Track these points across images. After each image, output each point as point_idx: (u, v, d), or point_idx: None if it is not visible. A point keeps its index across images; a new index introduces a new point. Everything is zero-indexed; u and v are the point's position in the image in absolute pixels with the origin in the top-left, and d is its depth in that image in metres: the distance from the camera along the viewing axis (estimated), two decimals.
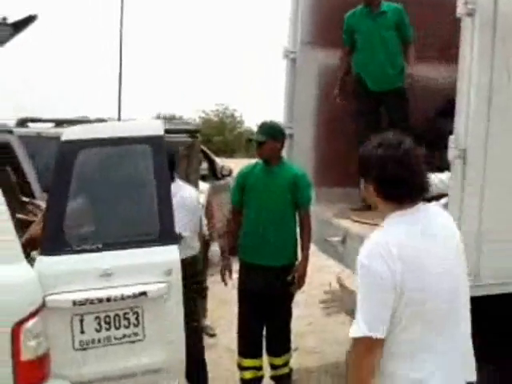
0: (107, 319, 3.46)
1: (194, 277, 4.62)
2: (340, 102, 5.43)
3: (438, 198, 4.19)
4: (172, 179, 4.52)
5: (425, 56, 5.43)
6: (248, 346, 4.81)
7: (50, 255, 3.38)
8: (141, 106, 31.15)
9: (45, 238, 3.44)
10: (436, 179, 4.66)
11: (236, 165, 8.14)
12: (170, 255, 3.51)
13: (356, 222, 4.78)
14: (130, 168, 3.67)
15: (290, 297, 4.82)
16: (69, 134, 3.53)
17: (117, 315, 3.47)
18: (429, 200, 2.49)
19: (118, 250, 3.47)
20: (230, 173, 8.93)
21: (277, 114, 5.97)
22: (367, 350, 2.28)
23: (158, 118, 30.77)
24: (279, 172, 4.73)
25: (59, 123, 7.07)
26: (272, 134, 4.67)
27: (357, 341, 2.29)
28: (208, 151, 9.37)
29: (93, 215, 3.61)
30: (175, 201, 4.29)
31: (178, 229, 3.81)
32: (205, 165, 8.98)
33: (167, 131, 4.10)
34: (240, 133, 28.18)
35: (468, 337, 2.44)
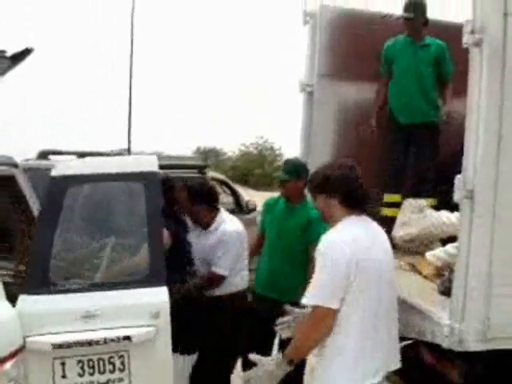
0: (91, 363, 3.29)
1: (237, 313, 4.43)
2: (373, 135, 5.25)
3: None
4: (216, 210, 4.46)
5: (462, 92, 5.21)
6: None
7: (33, 294, 3.26)
8: (180, 139, 31.39)
9: (29, 276, 3.32)
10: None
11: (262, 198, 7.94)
12: (158, 297, 3.34)
13: None
14: (120, 205, 3.55)
15: None
16: (58, 169, 3.42)
17: (101, 359, 3.31)
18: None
19: (103, 291, 3.33)
20: (255, 207, 8.77)
21: None
22: (321, 319, 2.86)
23: (198, 151, 30.99)
24: (298, 211, 4.55)
25: (81, 156, 7.04)
26: (295, 173, 4.50)
27: (313, 310, 2.89)
28: (232, 185, 9.24)
29: (80, 254, 3.47)
30: (215, 236, 4.28)
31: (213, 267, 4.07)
32: (230, 199, 8.84)
33: (173, 167, 3.95)
34: (279, 166, 28.19)
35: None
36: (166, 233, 3.77)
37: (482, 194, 3.14)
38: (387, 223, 5.10)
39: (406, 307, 3.58)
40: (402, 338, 4.03)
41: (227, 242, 4.35)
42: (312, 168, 5.35)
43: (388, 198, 5.29)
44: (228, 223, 4.49)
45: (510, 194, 3.16)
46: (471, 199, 3.15)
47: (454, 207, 3.70)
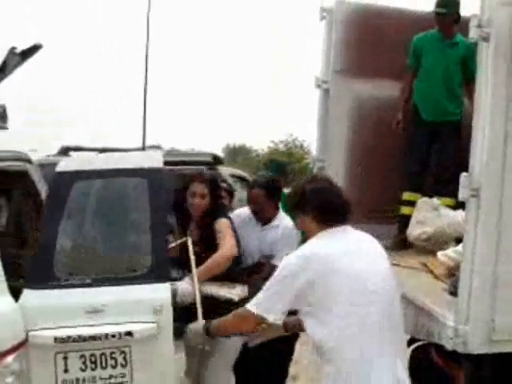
0: (93, 358, 3.31)
1: None
2: (400, 131, 5.20)
3: None
4: (277, 209, 4.48)
5: None
6: None
7: (36, 288, 3.28)
8: (210, 136, 31.46)
9: (32, 271, 3.35)
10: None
11: None
12: (160, 293, 3.34)
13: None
14: (124, 201, 3.55)
15: None
16: (63, 165, 3.44)
17: (103, 354, 3.32)
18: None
19: (107, 286, 3.34)
20: None
21: None
22: (252, 323, 2.88)
23: (227, 148, 31.00)
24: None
25: (103, 152, 7.07)
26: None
27: (251, 313, 2.81)
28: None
29: (84, 249, 3.49)
30: (277, 231, 4.34)
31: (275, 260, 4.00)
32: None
33: (184, 163, 3.94)
34: (307, 163, 28.08)
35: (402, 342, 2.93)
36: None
37: (488, 192, 3.07)
38: (405, 222, 5.06)
39: (415, 308, 3.53)
40: (412, 340, 4.00)
41: (290, 237, 4.35)
42: (328, 168, 5.36)
43: (407, 196, 5.22)
44: (287, 219, 4.48)
45: None
46: (477, 197, 3.08)
47: None
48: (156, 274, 3.36)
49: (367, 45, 5.27)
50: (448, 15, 4.97)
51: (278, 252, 4.30)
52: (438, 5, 5.00)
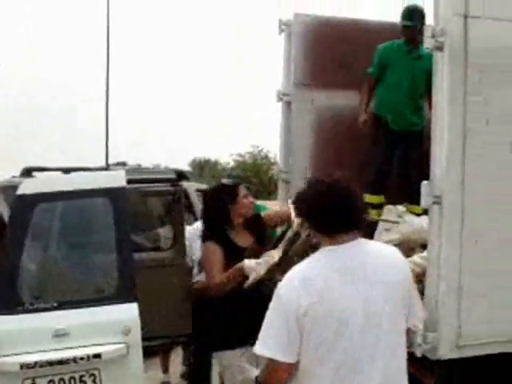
0: (62, 382, 3.26)
1: None
2: (366, 131, 5.19)
3: None
4: None
5: None
6: None
7: (1, 314, 3.22)
8: (177, 151, 31.39)
9: None
10: None
11: None
12: (128, 313, 3.31)
13: None
14: (88, 222, 3.52)
15: None
16: (24, 187, 3.40)
17: (72, 378, 3.27)
18: None
19: (73, 309, 3.30)
20: None
21: None
22: (273, 370, 2.45)
23: (194, 162, 30.96)
24: None
25: (66, 172, 6.96)
26: None
27: (267, 361, 2.45)
28: None
29: (49, 272, 3.44)
30: None
31: None
32: None
33: (147, 181, 3.92)
34: (274, 174, 28.14)
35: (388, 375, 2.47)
36: None
37: (450, 199, 3.12)
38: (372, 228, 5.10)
39: None
40: None
41: None
42: (293, 181, 5.39)
43: (368, 198, 5.27)
44: None
45: (478, 198, 3.14)
46: (440, 205, 3.13)
47: None
48: (123, 295, 3.32)
49: (326, 57, 5.32)
50: (414, 27, 5.04)
51: None
52: (404, 17, 5.07)
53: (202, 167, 29.18)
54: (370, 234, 5.13)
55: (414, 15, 5.04)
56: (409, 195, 5.01)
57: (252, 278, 3.53)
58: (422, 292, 3.61)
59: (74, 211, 3.50)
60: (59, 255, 3.47)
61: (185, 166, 25.32)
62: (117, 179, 3.48)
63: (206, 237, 3.93)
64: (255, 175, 29.14)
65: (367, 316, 2.42)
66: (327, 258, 2.48)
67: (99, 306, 3.31)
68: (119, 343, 3.28)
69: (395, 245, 4.81)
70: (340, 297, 2.40)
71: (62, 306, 3.29)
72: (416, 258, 4.12)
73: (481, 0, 3.08)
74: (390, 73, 5.17)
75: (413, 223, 4.78)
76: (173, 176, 4.85)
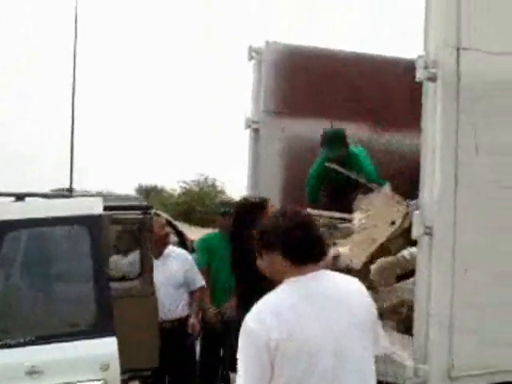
0: None
1: None
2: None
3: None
4: None
5: None
6: None
7: None
8: (122, 176, 30.87)
9: None
10: None
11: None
12: (106, 348, 3.13)
13: None
14: (63, 251, 3.34)
15: None
16: None
17: None
18: None
19: (48, 344, 3.10)
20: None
21: None
22: None
23: (140, 189, 30.55)
24: None
25: (20, 198, 6.67)
26: None
27: None
28: (176, 224, 8.99)
29: (21, 304, 3.24)
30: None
31: None
32: (175, 238, 8.60)
33: (115, 208, 3.76)
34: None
35: None
36: None
37: (441, 231, 3.09)
38: None
39: None
40: None
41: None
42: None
43: None
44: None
45: (469, 229, 3.12)
46: (430, 236, 3.10)
47: None
48: (101, 328, 3.15)
49: (297, 85, 5.31)
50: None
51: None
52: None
53: (148, 193, 28.74)
54: None
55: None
56: None
57: None
58: (404, 324, 3.61)
59: (49, 239, 3.32)
60: (32, 287, 3.27)
61: (131, 192, 24.90)
62: (94, 206, 3.31)
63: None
64: (200, 203, 28.94)
65: (337, 351, 2.38)
66: (295, 288, 2.46)
67: (76, 340, 3.13)
68: (97, 380, 3.09)
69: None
70: (310, 332, 2.36)
71: (35, 340, 3.08)
72: (394, 287, 4.08)
73: (472, 32, 3.11)
74: None
75: None
76: (144, 204, 4.72)
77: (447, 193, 3.09)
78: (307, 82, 5.27)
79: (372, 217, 4.33)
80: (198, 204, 28.83)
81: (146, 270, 4.34)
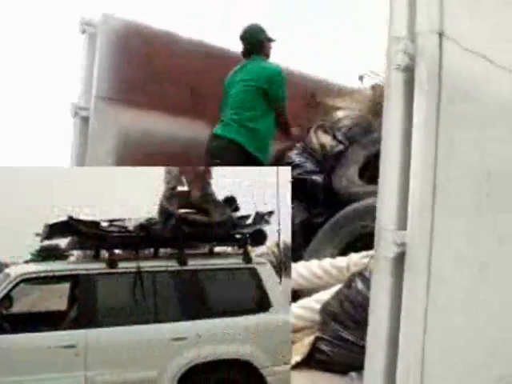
0: None
1: None
2: None
3: None
4: None
5: None
6: None
7: None
8: None
9: None
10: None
11: None
12: None
13: None
14: None
15: None
16: None
17: None
18: None
19: None
20: None
21: None
22: None
23: None
24: None
25: None
26: None
27: None
28: None
29: None
30: None
31: None
32: None
33: None
34: None
35: None
36: None
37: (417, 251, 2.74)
38: None
39: None
40: None
41: None
42: None
43: None
44: None
45: (446, 253, 2.82)
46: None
47: None
48: None
49: (137, 71, 4.53)
50: None
51: None
52: None
53: None
54: None
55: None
56: None
57: None
58: None
59: None
60: None
61: None
62: None
63: None
64: None
65: None
66: None
67: None
68: None
69: None
70: None
71: None
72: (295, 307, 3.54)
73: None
74: None
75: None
76: None
77: (425, 208, 2.74)
78: (149, 69, 4.55)
79: None
80: None
81: None
